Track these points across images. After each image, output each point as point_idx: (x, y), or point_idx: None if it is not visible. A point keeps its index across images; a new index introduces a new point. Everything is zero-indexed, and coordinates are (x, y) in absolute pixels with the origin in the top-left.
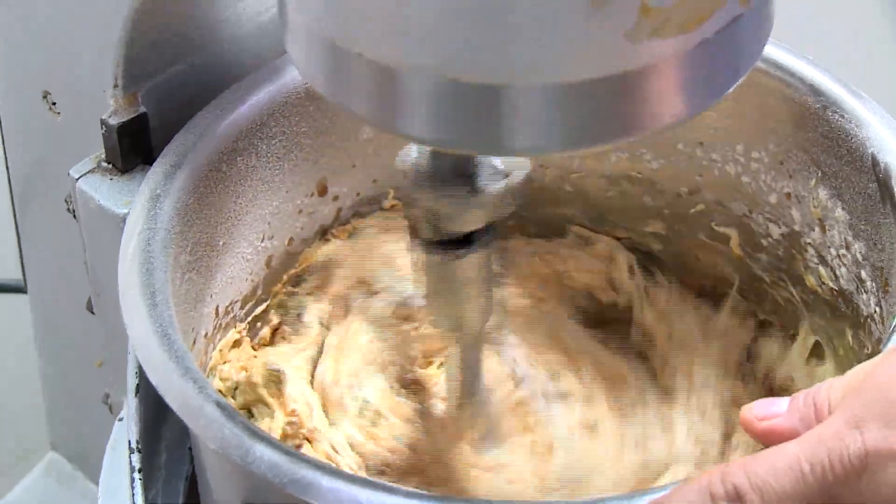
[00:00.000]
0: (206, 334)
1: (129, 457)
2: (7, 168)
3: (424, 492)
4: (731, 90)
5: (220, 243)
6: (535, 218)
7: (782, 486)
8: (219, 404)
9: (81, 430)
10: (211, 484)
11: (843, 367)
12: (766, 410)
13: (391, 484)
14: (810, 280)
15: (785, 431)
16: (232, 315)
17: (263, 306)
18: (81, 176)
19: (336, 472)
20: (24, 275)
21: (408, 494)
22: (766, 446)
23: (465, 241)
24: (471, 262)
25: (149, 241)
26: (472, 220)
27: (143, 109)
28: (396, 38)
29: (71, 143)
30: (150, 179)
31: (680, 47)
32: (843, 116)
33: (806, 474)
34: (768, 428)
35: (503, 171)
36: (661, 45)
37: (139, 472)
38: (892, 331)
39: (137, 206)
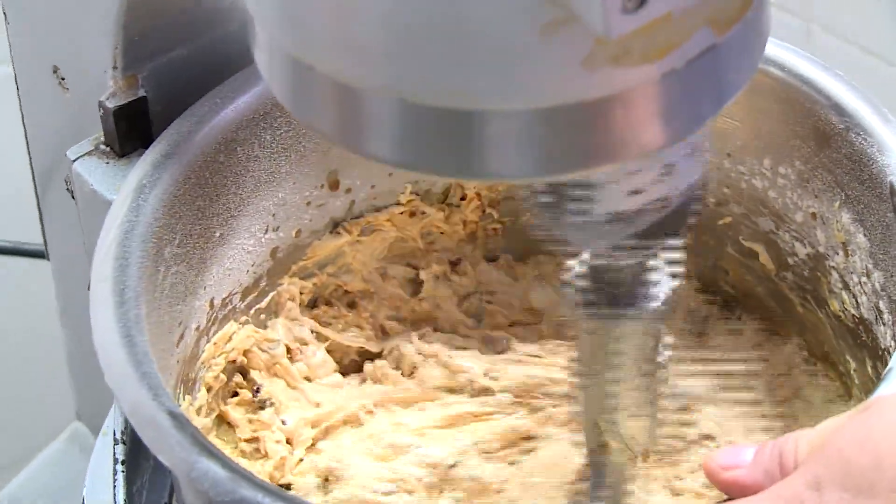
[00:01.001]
0: (199, 327)
1: (114, 447)
2: (26, 136)
3: None
4: (712, 118)
5: (217, 235)
6: None
7: None
8: (171, 414)
9: (102, 404)
10: (180, 484)
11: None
12: (731, 460)
13: None
14: (834, 305)
15: (748, 484)
16: (230, 307)
17: (268, 299)
18: (78, 158)
19: (279, 495)
20: (45, 244)
21: None
22: (729, 497)
23: None
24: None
25: (127, 235)
26: None
27: (142, 93)
28: (353, 58)
29: (78, 120)
30: (137, 169)
31: (646, 77)
32: (865, 140)
33: None
34: (731, 479)
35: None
36: (624, 75)
37: (122, 463)
38: (881, 381)
39: (121, 196)
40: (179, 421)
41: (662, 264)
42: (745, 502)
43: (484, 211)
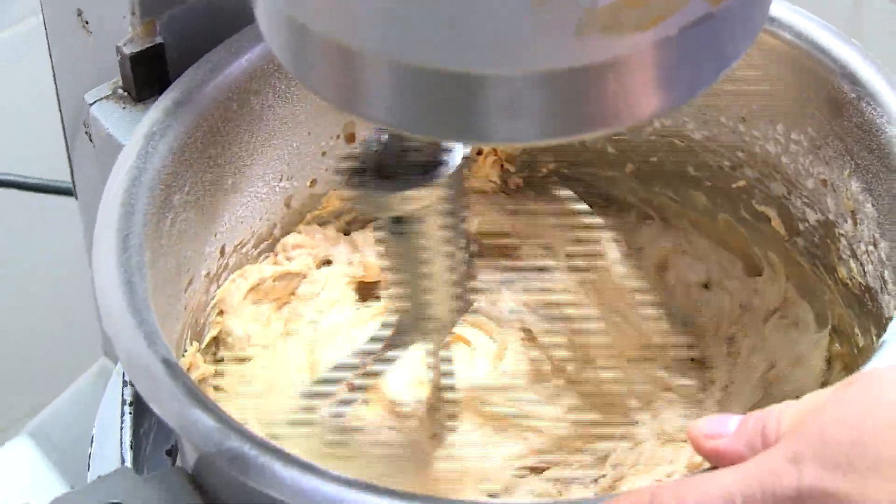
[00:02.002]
0: (208, 274)
1: (122, 389)
2: (54, 78)
3: (351, 477)
4: (709, 85)
5: (229, 182)
6: (578, 177)
7: None
8: (165, 362)
9: None
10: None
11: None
12: (714, 429)
13: (321, 467)
14: (842, 272)
15: (729, 454)
16: (243, 254)
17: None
18: (96, 101)
19: (266, 448)
20: (73, 184)
21: (335, 479)
22: (712, 465)
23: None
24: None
25: (134, 181)
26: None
27: (159, 40)
28: (348, 19)
29: (100, 64)
30: (148, 116)
31: (638, 44)
32: (875, 110)
33: None
34: (713, 448)
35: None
36: (616, 42)
37: (130, 405)
38: (874, 353)
39: (131, 142)
40: (173, 370)
41: None
42: (723, 475)
43: (502, 166)
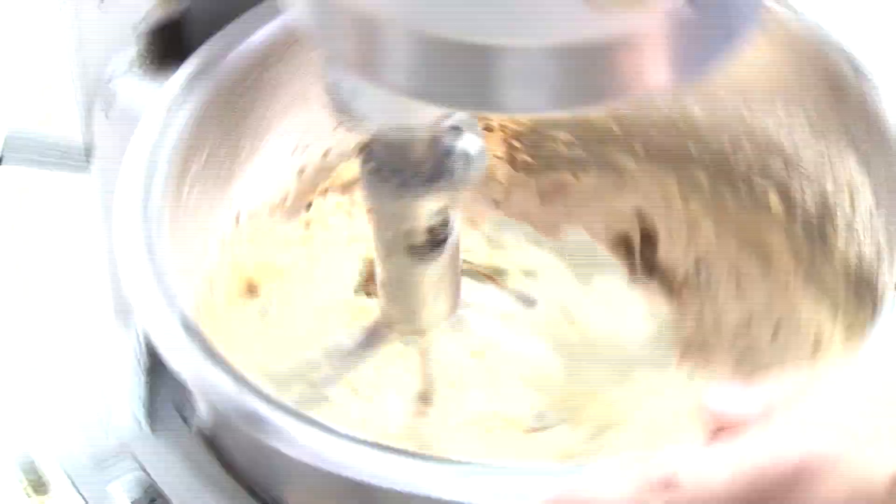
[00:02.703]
0: (223, 240)
1: (137, 351)
2: (71, 48)
3: (366, 437)
4: (719, 62)
5: (244, 153)
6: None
7: (717, 481)
8: (184, 322)
9: None
10: None
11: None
12: (721, 396)
13: (337, 427)
14: (839, 243)
15: (734, 421)
16: (256, 221)
17: (297, 219)
18: (113, 75)
19: (282, 408)
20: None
21: (351, 439)
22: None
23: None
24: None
25: (152, 151)
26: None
27: (178, 14)
28: None
29: (118, 37)
30: (166, 89)
31: (650, 18)
32: (872, 87)
33: (743, 474)
34: (720, 414)
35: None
36: (628, 15)
37: (145, 366)
38: (872, 325)
39: (149, 114)
40: (191, 330)
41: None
42: (734, 440)
43: (509, 144)
